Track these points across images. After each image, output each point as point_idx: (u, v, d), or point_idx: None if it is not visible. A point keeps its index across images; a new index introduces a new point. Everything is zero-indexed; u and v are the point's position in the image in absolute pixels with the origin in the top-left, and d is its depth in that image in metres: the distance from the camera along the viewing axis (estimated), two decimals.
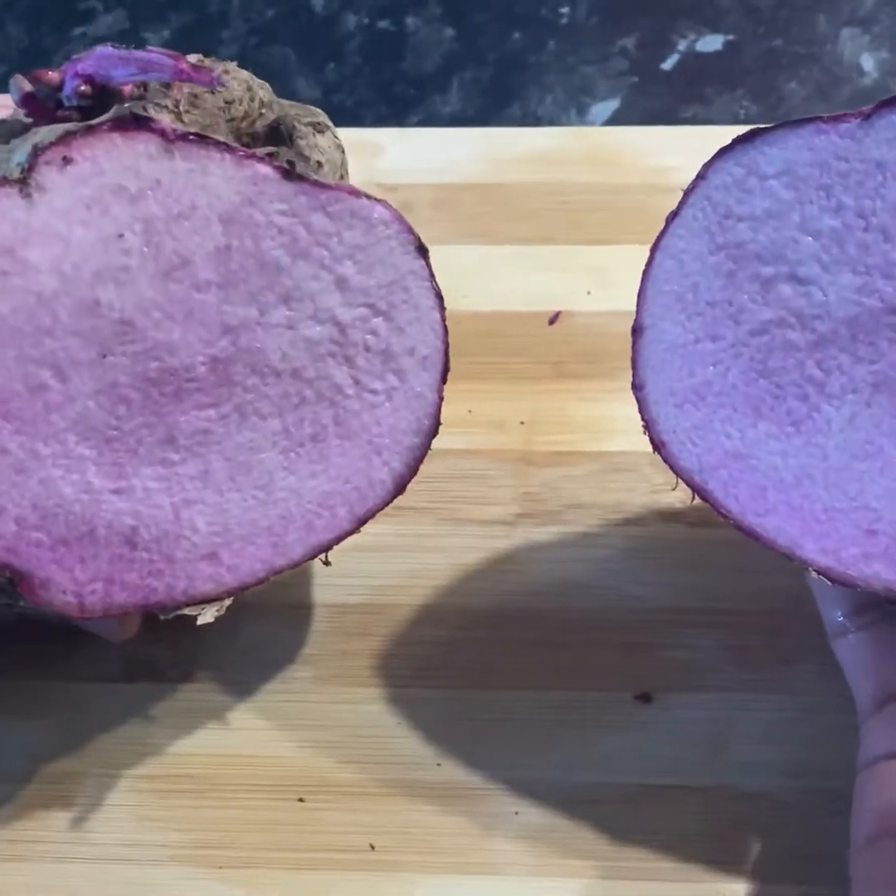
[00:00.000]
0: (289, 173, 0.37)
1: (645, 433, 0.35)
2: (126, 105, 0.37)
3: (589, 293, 0.52)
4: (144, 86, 0.38)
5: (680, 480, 0.35)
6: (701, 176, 0.35)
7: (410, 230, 0.39)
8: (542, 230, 0.54)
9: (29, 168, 0.35)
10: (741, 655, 0.44)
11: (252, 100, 0.40)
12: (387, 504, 0.41)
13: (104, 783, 0.43)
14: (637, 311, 0.35)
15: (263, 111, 0.41)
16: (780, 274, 0.33)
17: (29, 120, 0.38)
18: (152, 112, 0.37)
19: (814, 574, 0.34)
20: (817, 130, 0.32)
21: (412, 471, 0.41)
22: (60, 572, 0.38)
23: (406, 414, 0.41)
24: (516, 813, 0.42)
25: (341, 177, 0.41)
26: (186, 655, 0.45)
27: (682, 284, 0.34)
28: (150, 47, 0.37)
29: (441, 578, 0.46)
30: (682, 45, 0.64)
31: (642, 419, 0.34)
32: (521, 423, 0.49)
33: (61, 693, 0.45)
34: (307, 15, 0.67)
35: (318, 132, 0.40)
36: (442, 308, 0.40)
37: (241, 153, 0.37)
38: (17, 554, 0.37)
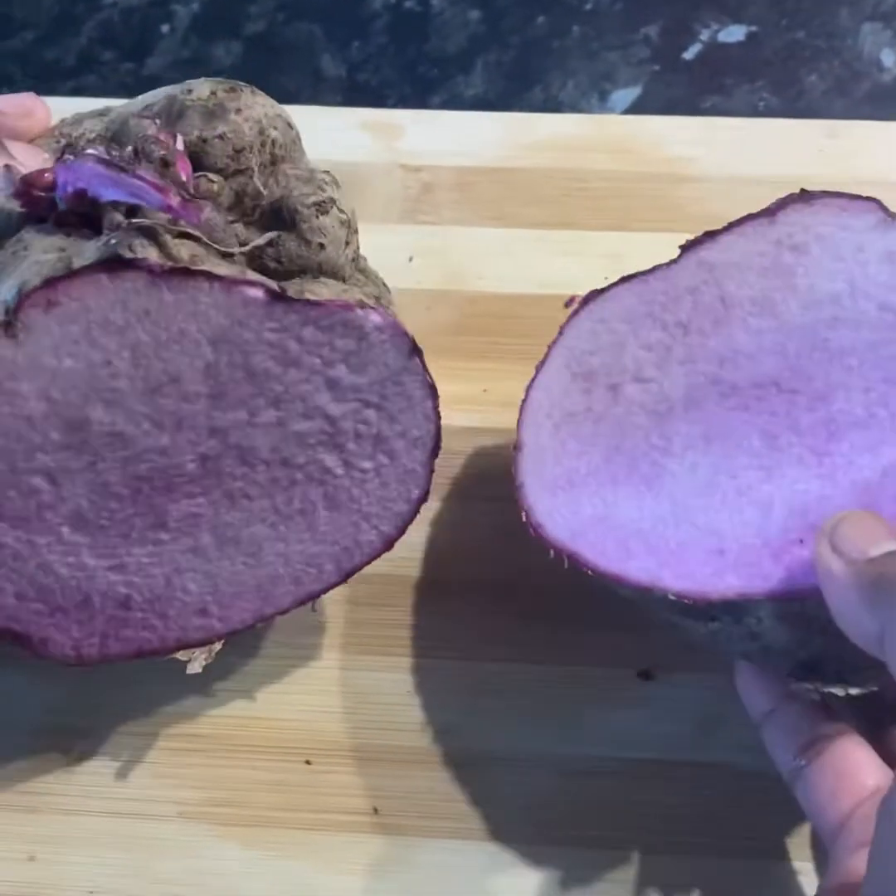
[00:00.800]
0: (278, 295, 0.37)
1: (525, 521, 0.40)
2: (112, 241, 0.35)
3: (606, 278, 0.52)
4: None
5: (554, 552, 0.40)
6: (560, 334, 0.43)
7: (404, 333, 0.39)
8: (560, 215, 0.55)
9: (15, 310, 0.35)
10: None
11: (263, 145, 0.39)
12: (374, 559, 0.42)
13: (118, 740, 0.44)
14: (517, 433, 0.42)
15: (270, 180, 0.39)
16: (625, 380, 0.42)
17: (22, 210, 0.38)
18: (138, 247, 0.35)
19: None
20: (640, 282, 0.43)
21: (400, 531, 0.42)
22: (58, 633, 0.40)
23: (396, 487, 0.41)
24: (518, 782, 0.43)
25: (347, 244, 0.40)
26: None
27: (550, 407, 0.42)
28: (139, 171, 0.37)
29: (451, 552, 0.47)
30: (704, 35, 0.64)
31: (522, 510, 0.41)
32: None
33: None
34: None
35: (322, 213, 0.39)
36: (434, 397, 0.41)
37: (229, 279, 0.36)
38: (18, 621, 0.40)
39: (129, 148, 0.38)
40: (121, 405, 0.37)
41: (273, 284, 0.37)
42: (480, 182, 0.55)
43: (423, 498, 0.42)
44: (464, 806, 0.43)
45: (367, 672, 0.45)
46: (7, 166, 0.38)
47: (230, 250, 0.38)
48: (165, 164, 0.37)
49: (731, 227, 0.43)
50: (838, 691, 0.38)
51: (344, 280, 0.40)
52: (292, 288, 0.38)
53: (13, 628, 0.39)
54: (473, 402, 0.51)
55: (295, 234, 0.39)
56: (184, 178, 0.37)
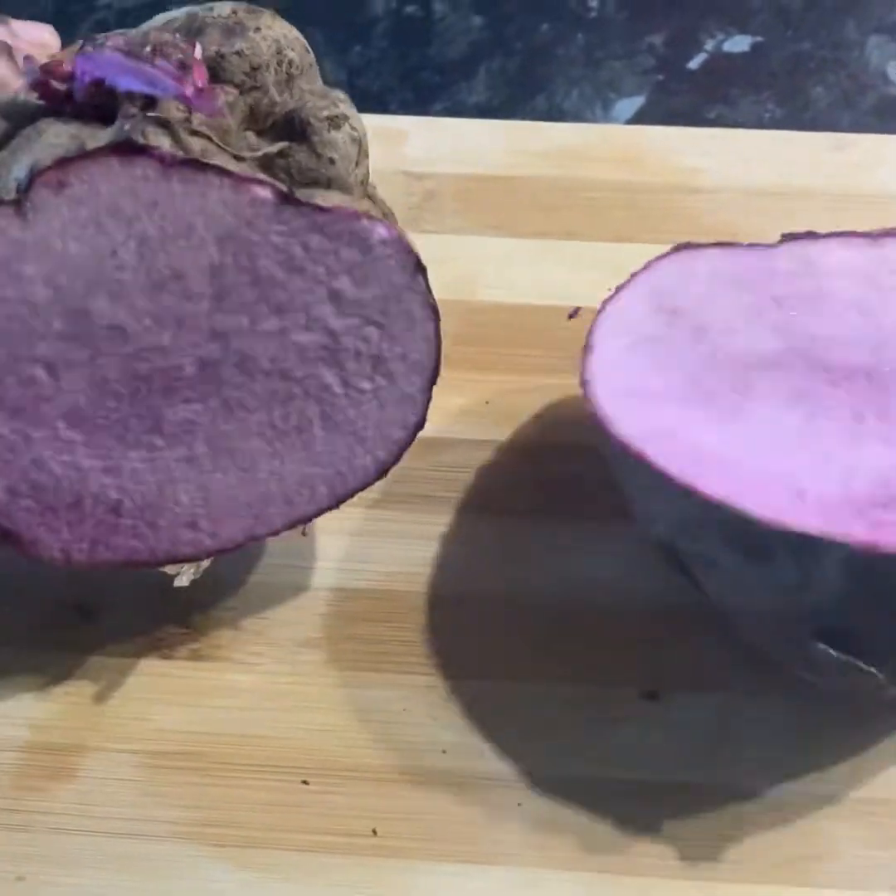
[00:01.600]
0: (287, 197, 0.37)
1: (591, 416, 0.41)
2: (126, 127, 0.36)
3: (609, 290, 0.52)
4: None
5: (618, 450, 0.40)
6: (645, 268, 0.45)
7: (410, 249, 0.39)
8: (564, 225, 0.54)
9: (26, 189, 0.35)
10: (749, 657, 0.44)
11: (280, 64, 0.39)
12: (368, 486, 0.42)
13: (109, 757, 0.43)
14: (587, 338, 0.43)
15: (284, 94, 0.40)
16: (712, 325, 0.43)
17: (40, 102, 0.38)
18: (151, 135, 0.36)
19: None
20: (736, 251, 0.45)
21: (395, 458, 0.42)
22: (48, 534, 0.40)
23: (393, 411, 0.41)
24: (519, 804, 0.42)
25: (357, 164, 0.40)
26: (195, 633, 0.45)
27: (627, 328, 0.43)
28: (159, 63, 0.37)
29: (451, 567, 0.46)
30: (709, 45, 0.64)
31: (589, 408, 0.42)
32: (538, 415, 0.50)
33: (70, 665, 0.45)
34: None
35: (334, 128, 0.39)
36: (436, 320, 0.41)
37: (239, 177, 0.37)
38: (9, 517, 0.39)
39: (148, 47, 0.38)
40: (124, 298, 0.37)
41: (282, 187, 0.37)
42: (484, 190, 0.54)
43: (420, 425, 0.42)
44: (464, 828, 0.42)
45: (365, 690, 0.44)
46: (28, 57, 0.38)
47: (241, 154, 0.38)
48: (183, 67, 0.37)
49: (833, 234, 0.44)
50: (862, 665, 0.37)
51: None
52: (301, 193, 0.38)
53: (4, 525, 0.40)
54: (475, 414, 0.50)
55: (306, 146, 0.39)
56: (200, 84, 0.38)
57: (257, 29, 0.39)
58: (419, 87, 0.63)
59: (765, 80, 0.62)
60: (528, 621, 0.45)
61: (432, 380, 0.42)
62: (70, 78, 0.37)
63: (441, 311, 0.41)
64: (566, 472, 0.48)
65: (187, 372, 0.39)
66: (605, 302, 0.44)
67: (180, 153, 0.36)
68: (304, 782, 0.43)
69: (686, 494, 0.38)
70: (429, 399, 0.42)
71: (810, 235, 0.45)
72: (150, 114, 0.36)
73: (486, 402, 0.50)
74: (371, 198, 0.41)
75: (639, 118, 0.61)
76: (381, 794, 0.42)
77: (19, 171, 0.36)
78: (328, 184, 0.39)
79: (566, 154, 0.56)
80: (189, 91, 0.37)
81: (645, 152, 0.56)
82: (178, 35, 0.39)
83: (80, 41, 0.39)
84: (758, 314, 0.43)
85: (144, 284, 0.37)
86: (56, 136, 0.36)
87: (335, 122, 0.39)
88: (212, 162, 0.36)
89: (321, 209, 0.38)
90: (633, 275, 0.45)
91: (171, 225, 0.36)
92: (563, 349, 0.51)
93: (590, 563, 0.46)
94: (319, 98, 0.40)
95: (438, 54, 0.64)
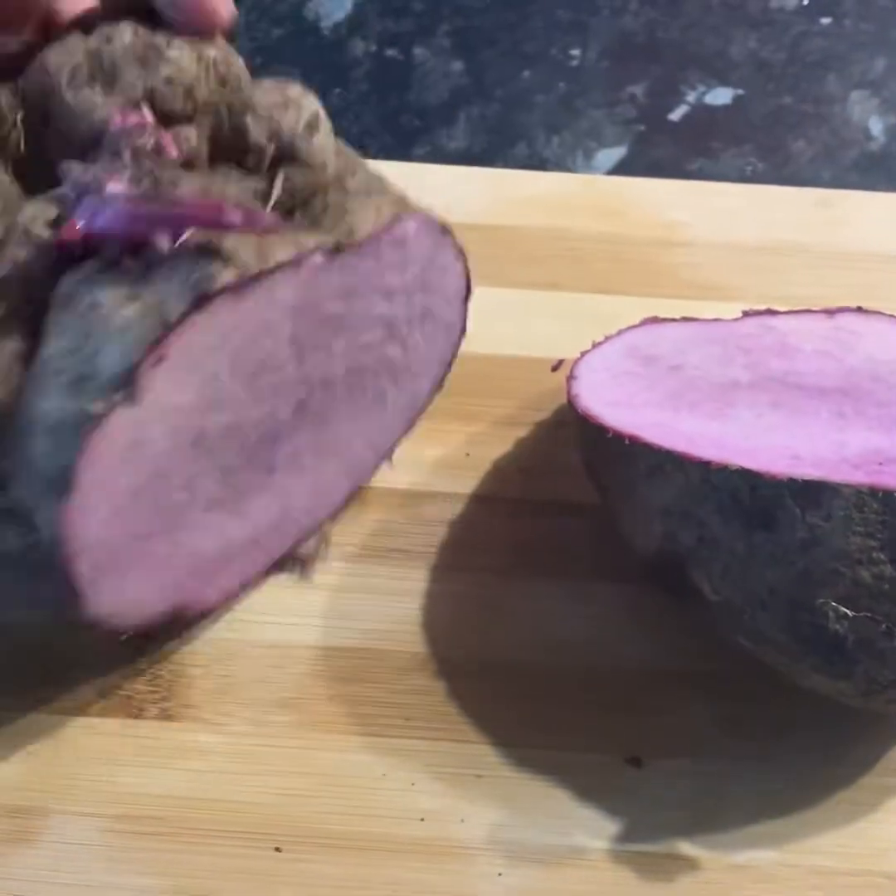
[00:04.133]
0: (336, 250, 0.38)
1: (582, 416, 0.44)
2: (192, 278, 0.35)
3: (593, 343, 0.51)
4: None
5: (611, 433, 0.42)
6: (617, 333, 0.48)
7: (434, 222, 0.41)
8: (548, 276, 0.53)
9: (129, 381, 0.34)
10: (733, 724, 0.43)
11: (207, 72, 0.38)
12: (429, 405, 0.47)
13: (74, 821, 0.41)
14: (571, 368, 0.46)
15: (242, 114, 0.38)
16: (687, 366, 0.45)
17: (48, 255, 0.37)
18: (216, 275, 0.35)
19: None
20: (698, 323, 0.47)
21: (448, 369, 0.46)
22: (212, 590, 0.43)
23: (440, 340, 0.45)
24: (500, 874, 0.41)
25: (337, 153, 0.41)
26: (164, 691, 0.44)
27: (607, 367, 0.46)
28: (166, 195, 0.36)
29: (431, 625, 0.45)
30: (690, 97, 0.63)
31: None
32: (520, 469, 0.49)
33: (31, 723, 0.43)
34: (315, 38, 0.66)
35: (314, 131, 0.39)
36: (464, 259, 0.43)
37: (298, 258, 0.36)
38: (182, 597, 0.42)
39: (112, 155, 0.36)
40: (229, 404, 0.38)
41: (327, 241, 0.38)
42: (468, 239, 0.53)
43: (463, 334, 0.46)
44: None
45: (340, 753, 0.43)
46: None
47: (270, 226, 0.37)
48: (158, 151, 0.36)
49: (791, 312, 0.47)
50: (878, 617, 0.37)
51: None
52: (336, 230, 0.38)
53: (178, 605, 0.42)
54: (456, 466, 0.49)
55: (296, 164, 0.38)
56: (176, 152, 0.37)
57: (169, 44, 0.37)
58: (399, 131, 0.63)
59: (746, 133, 0.62)
60: (509, 685, 0.44)
61: (467, 299, 0.44)
62: (88, 238, 0.36)
63: None
64: (546, 528, 0.47)
65: (286, 419, 0.41)
66: (584, 352, 0.46)
67: (245, 273, 0.35)
68: (277, 849, 0.41)
69: (685, 470, 0.38)
70: (467, 312, 0.45)
71: (769, 312, 0.47)
72: (193, 245, 0.35)
73: (467, 454, 0.49)
74: (357, 163, 0.42)
75: (620, 168, 0.61)
76: (358, 863, 0.41)
77: (111, 364, 0.34)
78: (327, 189, 0.39)
79: (550, 203, 0.55)
80: (226, 217, 0.36)
81: (628, 204, 0.55)
82: (98, 88, 0.37)
83: (70, 192, 0.36)
84: (728, 359, 0.45)
85: (242, 384, 0.38)
86: (121, 307, 0.35)
87: (312, 125, 0.39)
88: (271, 264, 0.36)
89: (361, 243, 0.38)
90: (608, 336, 0.47)
91: (252, 330, 0.37)
92: (546, 401, 0.50)
93: (570, 623, 0.45)
94: (280, 108, 0.39)
95: (418, 99, 0.64)
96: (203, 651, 0.44)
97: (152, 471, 0.37)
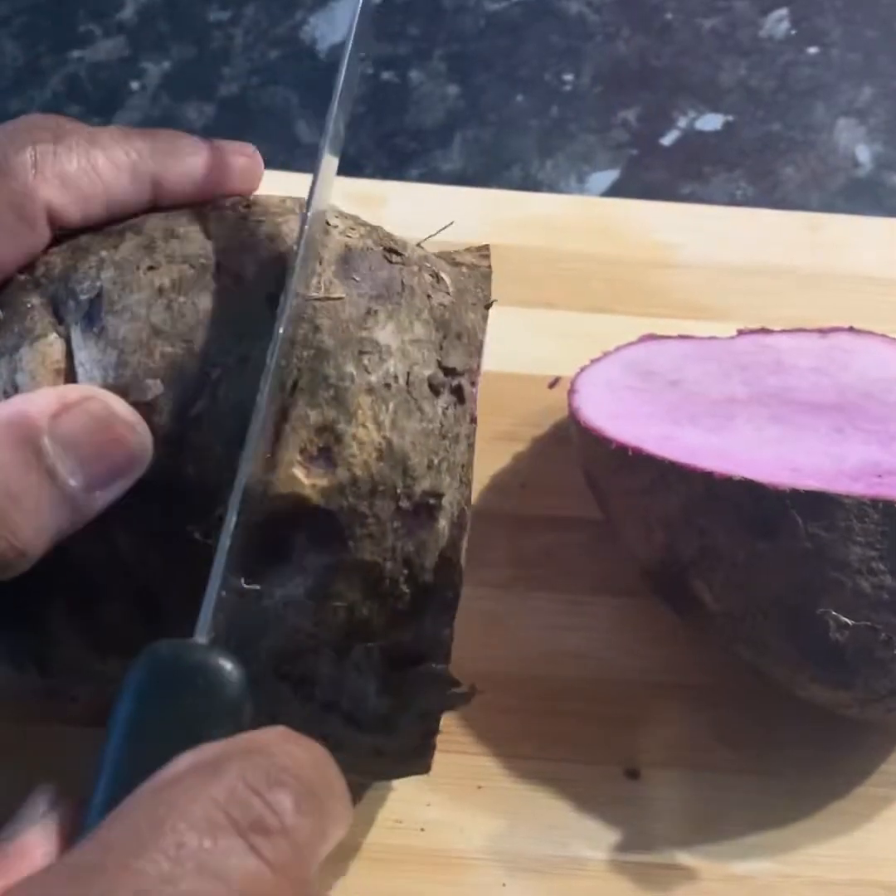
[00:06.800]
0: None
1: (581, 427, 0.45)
2: None
3: (589, 360, 0.52)
4: None
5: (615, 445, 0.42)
6: (615, 350, 0.49)
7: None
8: (543, 295, 0.54)
9: None
10: (731, 735, 0.44)
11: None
12: None
13: None
14: (571, 384, 0.47)
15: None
16: (686, 381, 0.46)
17: None
18: None
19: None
20: (694, 341, 0.49)
21: None
22: None
23: None
24: (503, 885, 0.41)
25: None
26: None
27: (607, 382, 0.47)
28: None
29: None
30: (682, 122, 0.64)
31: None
32: (521, 485, 0.49)
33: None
34: (311, 59, 0.67)
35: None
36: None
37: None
38: None
39: None
40: None
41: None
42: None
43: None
44: None
45: None
46: None
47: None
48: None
49: (785, 331, 0.48)
50: (878, 626, 0.37)
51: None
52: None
53: None
54: None
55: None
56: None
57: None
58: (395, 152, 0.63)
59: (736, 158, 0.63)
60: (509, 697, 0.44)
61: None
62: None
63: None
64: (545, 543, 0.48)
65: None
66: (583, 368, 0.47)
67: None
68: None
69: (688, 481, 0.39)
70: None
71: (764, 331, 0.48)
72: None
73: None
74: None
75: (613, 191, 0.62)
76: (360, 874, 0.41)
77: None
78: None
79: (543, 224, 0.56)
80: None
81: (622, 225, 0.56)
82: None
83: None
84: (726, 375, 0.46)
85: None
86: None
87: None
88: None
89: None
90: (606, 352, 0.48)
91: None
92: (544, 417, 0.51)
93: (569, 636, 0.46)
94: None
95: (414, 121, 0.65)
96: None
97: None
